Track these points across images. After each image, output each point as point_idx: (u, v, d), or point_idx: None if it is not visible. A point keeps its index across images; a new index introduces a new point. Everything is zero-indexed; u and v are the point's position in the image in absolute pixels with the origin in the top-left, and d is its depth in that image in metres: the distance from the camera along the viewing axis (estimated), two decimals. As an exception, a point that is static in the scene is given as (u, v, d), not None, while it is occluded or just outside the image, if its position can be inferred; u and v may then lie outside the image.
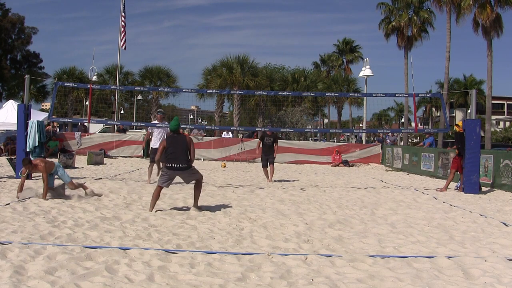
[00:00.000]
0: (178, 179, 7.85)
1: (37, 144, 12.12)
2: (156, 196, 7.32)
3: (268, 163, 12.60)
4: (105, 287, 3.77)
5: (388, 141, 26.74)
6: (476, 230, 6.48)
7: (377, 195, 10.29)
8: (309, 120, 40.21)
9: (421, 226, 6.71)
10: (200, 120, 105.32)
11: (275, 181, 12.72)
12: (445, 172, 14.55)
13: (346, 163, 21.07)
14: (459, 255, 5.02)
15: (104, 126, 28.46)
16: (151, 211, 7.17)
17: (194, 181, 7.66)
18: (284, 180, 13.28)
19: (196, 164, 19.14)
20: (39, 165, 8.02)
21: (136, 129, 32.69)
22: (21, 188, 8.07)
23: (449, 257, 4.85)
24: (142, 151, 20.26)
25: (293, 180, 13.35)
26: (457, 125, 11.99)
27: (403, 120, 47.88)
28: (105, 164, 17.51)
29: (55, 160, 15.45)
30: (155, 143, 11.29)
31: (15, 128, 12.07)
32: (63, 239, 5.28)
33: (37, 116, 17.48)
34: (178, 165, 7.23)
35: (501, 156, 11.88)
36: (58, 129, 27.48)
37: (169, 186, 7.83)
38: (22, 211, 6.84)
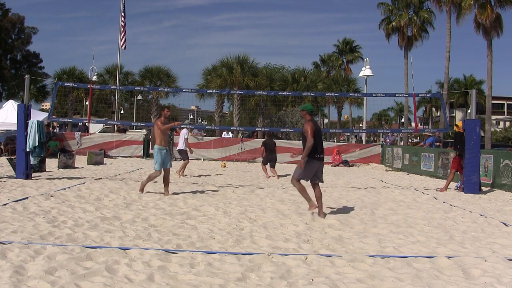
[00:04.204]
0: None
1: (37, 144, 12.09)
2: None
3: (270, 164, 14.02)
4: (105, 287, 3.77)
5: (388, 140, 26.75)
6: (476, 230, 6.48)
7: (377, 195, 10.28)
8: (309, 120, 40.06)
9: (421, 226, 6.71)
10: (200, 120, 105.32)
11: (280, 176, 13.96)
12: (445, 172, 14.54)
13: (346, 163, 21.07)
14: (459, 255, 5.02)
15: (104, 126, 28.46)
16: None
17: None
18: (283, 177, 13.29)
19: (196, 164, 19.31)
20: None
21: (136, 129, 32.69)
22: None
23: (449, 257, 4.85)
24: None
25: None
26: (456, 125, 11.99)
27: (403, 120, 47.89)
28: (105, 164, 17.50)
29: (55, 160, 15.54)
30: (181, 145, 13.29)
31: (15, 128, 12.06)
32: (63, 239, 5.27)
33: (37, 116, 17.48)
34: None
35: (501, 156, 11.88)
36: (58, 129, 27.48)
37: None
38: (22, 211, 6.83)
